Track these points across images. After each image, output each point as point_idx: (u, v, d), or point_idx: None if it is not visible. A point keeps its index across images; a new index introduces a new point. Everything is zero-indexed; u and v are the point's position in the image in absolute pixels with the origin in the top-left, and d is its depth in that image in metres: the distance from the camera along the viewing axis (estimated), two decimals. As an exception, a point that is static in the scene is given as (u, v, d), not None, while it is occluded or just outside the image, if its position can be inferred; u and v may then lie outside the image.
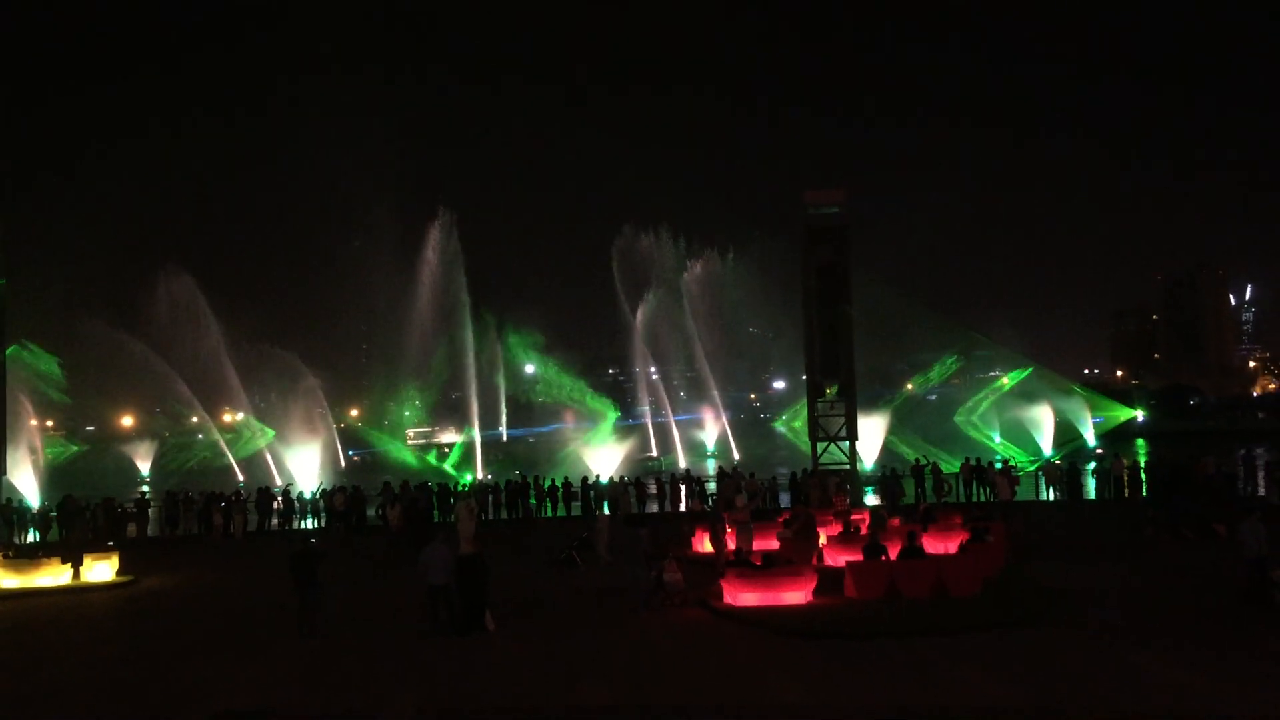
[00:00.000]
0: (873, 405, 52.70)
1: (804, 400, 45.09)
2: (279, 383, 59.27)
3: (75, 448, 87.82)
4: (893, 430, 53.05)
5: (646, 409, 73.66)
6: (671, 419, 68.30)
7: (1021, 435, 59.33)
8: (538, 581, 23.87)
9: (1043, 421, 59.11)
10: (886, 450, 49.98)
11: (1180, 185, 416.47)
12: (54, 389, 53.56)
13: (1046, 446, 54.97)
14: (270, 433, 57.00)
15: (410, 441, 77.82)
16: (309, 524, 39.08)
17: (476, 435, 61.06)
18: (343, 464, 66.87)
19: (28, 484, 44.89)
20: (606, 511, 35.37)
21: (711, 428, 72.98)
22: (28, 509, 40.07)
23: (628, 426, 71.82)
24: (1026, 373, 66.87)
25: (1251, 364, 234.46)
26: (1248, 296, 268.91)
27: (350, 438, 78.24)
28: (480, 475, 53.39)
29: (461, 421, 65.95)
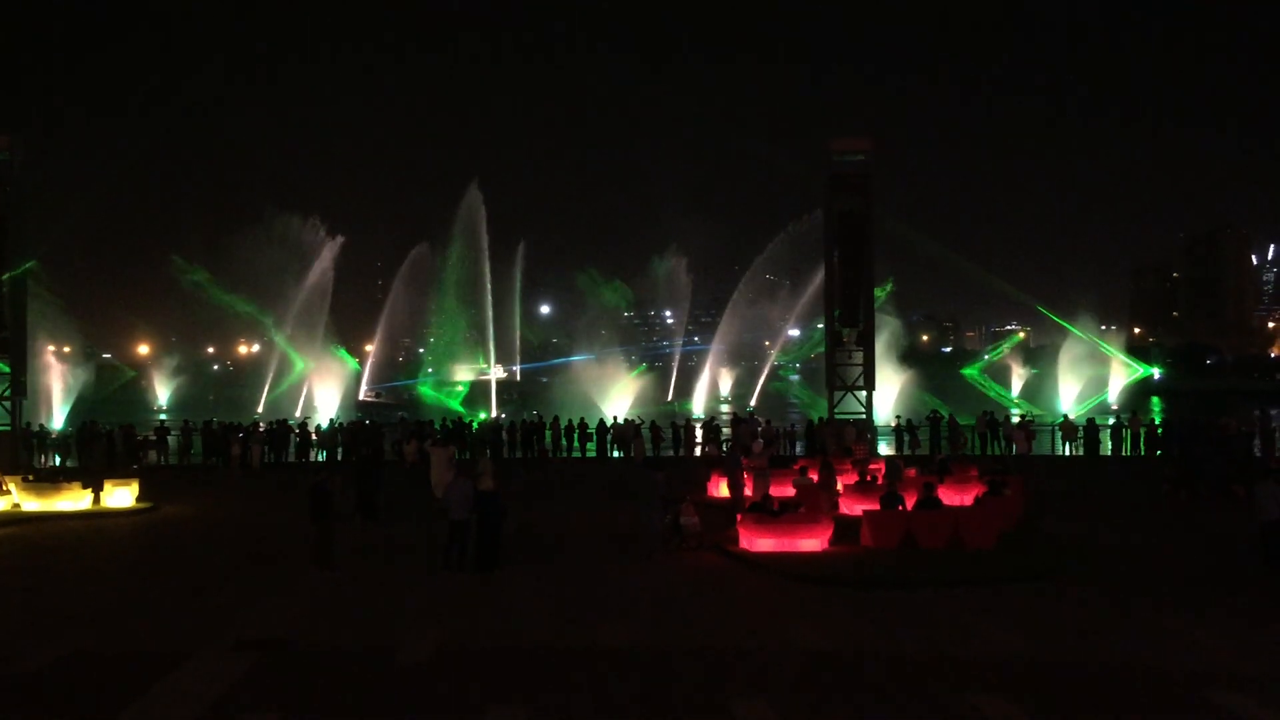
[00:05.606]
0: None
1: (802, 346, 44.82)
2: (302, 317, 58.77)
3: (132, 372, 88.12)
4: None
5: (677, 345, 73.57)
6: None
7: (1037, 392, 58.99)
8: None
9: (1061, 378, 58.60)
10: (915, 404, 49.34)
11: (1204, 143, 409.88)
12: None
13: (1065, 403, 54.42)
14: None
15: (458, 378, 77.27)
16: (324, 457, 39.32)
17: (493, 374, 61.05)
18: (360, 398, 66.97)
19: (49, 409, 45.19)
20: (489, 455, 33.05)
21: (726, 376, 72.78)
22: (49, 433, 40.42)
23: (647, 370, 71.54)
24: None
25: (1270, 324, 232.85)
26: (1270, 257, 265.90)
27: (378, 374, 77.94)
28: (494, 414, 53.49)
29: (474, 359, 65.76)
